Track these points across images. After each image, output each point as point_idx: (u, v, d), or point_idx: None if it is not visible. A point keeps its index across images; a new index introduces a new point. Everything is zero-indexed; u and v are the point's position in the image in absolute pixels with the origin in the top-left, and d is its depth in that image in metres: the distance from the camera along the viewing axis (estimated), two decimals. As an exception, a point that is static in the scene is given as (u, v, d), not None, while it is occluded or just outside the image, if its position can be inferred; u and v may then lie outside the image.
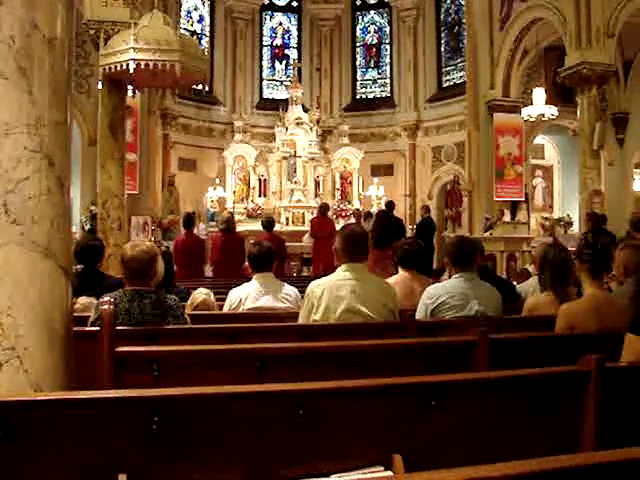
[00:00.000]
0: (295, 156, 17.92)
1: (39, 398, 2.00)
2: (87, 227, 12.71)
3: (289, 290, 4.88)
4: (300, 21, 21.25)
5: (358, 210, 16.13)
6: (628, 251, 4.18)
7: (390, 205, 12.78)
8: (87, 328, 3.35)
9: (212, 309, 4.65)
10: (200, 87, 10.22)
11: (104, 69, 8.85)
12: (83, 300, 4.23)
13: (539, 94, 13.75)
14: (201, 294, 4.64)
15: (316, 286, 3.90)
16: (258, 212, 17.18)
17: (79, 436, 1.86)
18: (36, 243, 2.29)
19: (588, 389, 2.31)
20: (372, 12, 21.31)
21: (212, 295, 4.71)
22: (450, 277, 4.61)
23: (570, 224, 16.38)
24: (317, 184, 18.46)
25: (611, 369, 2.39)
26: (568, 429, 2.32)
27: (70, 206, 2.49)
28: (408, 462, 2.00)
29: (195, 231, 10.92)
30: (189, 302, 4.61)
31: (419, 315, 4.20)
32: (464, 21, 17.48)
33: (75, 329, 2.59)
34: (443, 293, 4.22)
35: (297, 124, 18.17)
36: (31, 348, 2.26)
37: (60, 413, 1.87)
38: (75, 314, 2.93)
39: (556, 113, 13.76)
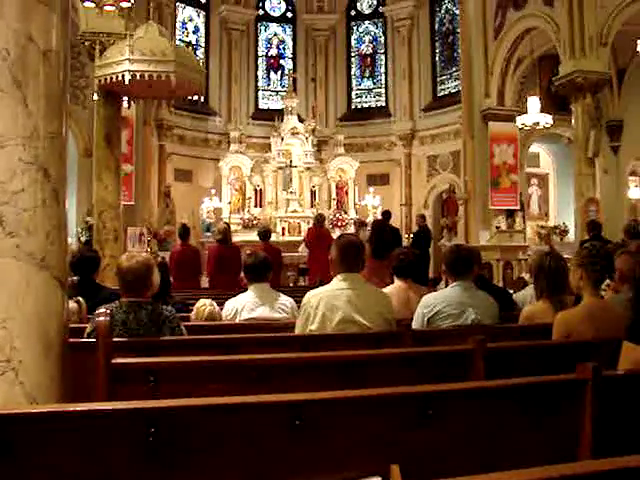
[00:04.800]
0: (291, 166, 17.90)
1: (34, 410, 1.98)
2: (83, 238, 12.68)
3: (285, 300, 4.87)
4: (295, 31, 21.29)
5: (358, 219, 16.15)
6: (625, 257, 4.18)
7: (387, 214, 12.79)
8: (83, 340, 3.34)
9: (218, 319, 4.65)
10: (195, 98, 10.29)
11: (99, 80, 8.86)
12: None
13: (534, 102, 13.81)
14: (205, 306, 4.62)
15: (312, 296, 3.89)
16: (254, 222, 17.14)
17: (75, 448, 1.85)
18: (31, 255, 2.29)
19: (585, 397, 2.31)
20: (367, 22, 21.34)
21: (215, 305, 4.70)
22: (447, 286, 4.60)
23: (566, 232, 16.41)
24: (313, 194, 18.44)
25: (607, 377, 2.39)
26: (565, 437, 2.31)
27: (66, 217, 2.49)
28: (406, 472, 1.99)
29: None
30: (193, 314, 4.60)
31: (416, 324, 4.19)
32: (458, 30, 17.53)
33: (71, 341, 2.59)
34: (439, 302, 4.21)
35: (292, 134, 18.16)
36: (26, 360, 2.26)
37: (56, 425, 1.85)
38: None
39: (551, 121, 13.81)
